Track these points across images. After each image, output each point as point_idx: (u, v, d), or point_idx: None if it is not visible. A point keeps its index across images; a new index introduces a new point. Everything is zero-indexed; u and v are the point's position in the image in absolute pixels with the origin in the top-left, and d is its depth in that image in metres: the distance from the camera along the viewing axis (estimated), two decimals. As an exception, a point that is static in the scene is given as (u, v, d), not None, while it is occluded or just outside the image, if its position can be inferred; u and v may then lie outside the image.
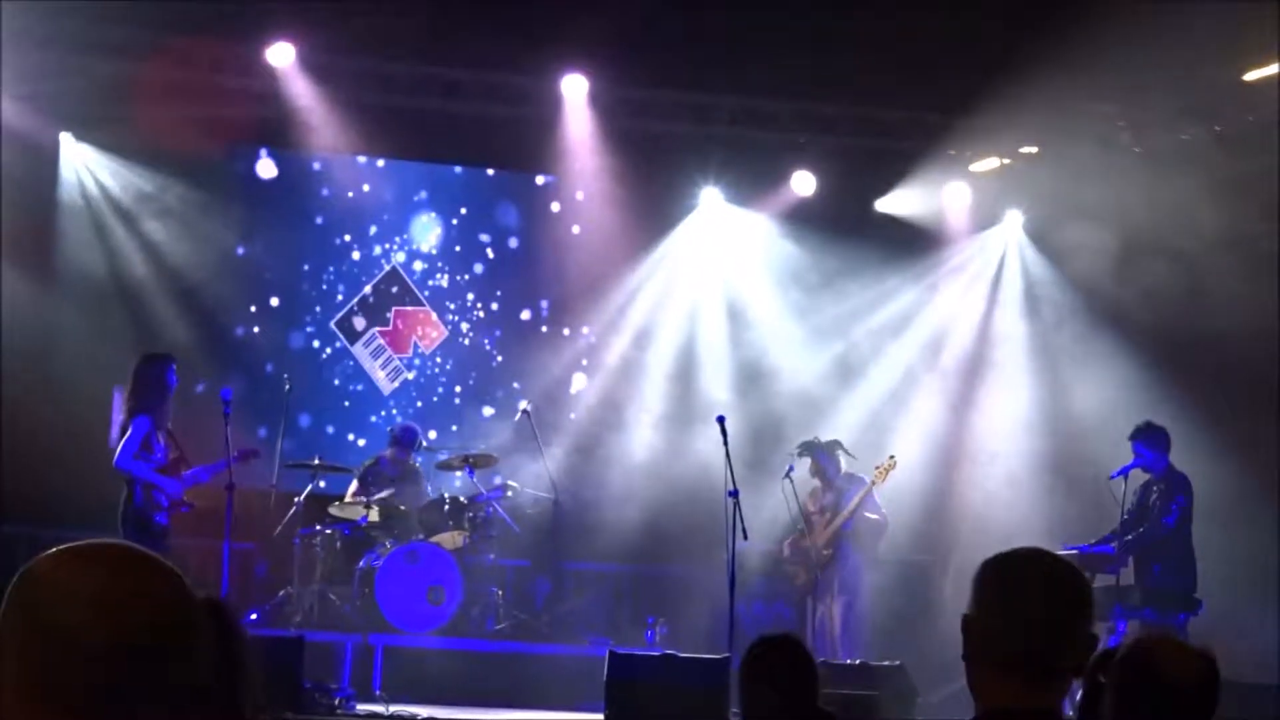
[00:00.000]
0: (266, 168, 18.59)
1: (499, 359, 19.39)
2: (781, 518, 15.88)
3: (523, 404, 17.86)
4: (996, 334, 18.90)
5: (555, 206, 19.42)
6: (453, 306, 19.33)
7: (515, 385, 19.26)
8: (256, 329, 18.54)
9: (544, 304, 19.58)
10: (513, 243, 19.59)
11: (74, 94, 16.58)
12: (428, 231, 19.34)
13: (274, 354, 18.53)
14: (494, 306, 19.49)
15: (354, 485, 16.60)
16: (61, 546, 2.22)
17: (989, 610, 3.61)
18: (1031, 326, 18.71)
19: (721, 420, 14.56)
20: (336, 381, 18.92)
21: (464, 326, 19.35)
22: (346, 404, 18.91)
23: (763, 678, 6.49)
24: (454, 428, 19.01)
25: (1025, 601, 3.56)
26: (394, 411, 18.63)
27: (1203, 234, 16.36)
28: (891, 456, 15.65)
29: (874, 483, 15.46)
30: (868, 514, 15.60)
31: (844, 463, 15.76)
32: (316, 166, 18.83)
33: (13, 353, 16.17)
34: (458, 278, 19.36)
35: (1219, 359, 16.61)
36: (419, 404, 19.06)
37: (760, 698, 6.48)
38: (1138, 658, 4.59)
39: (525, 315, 19.57)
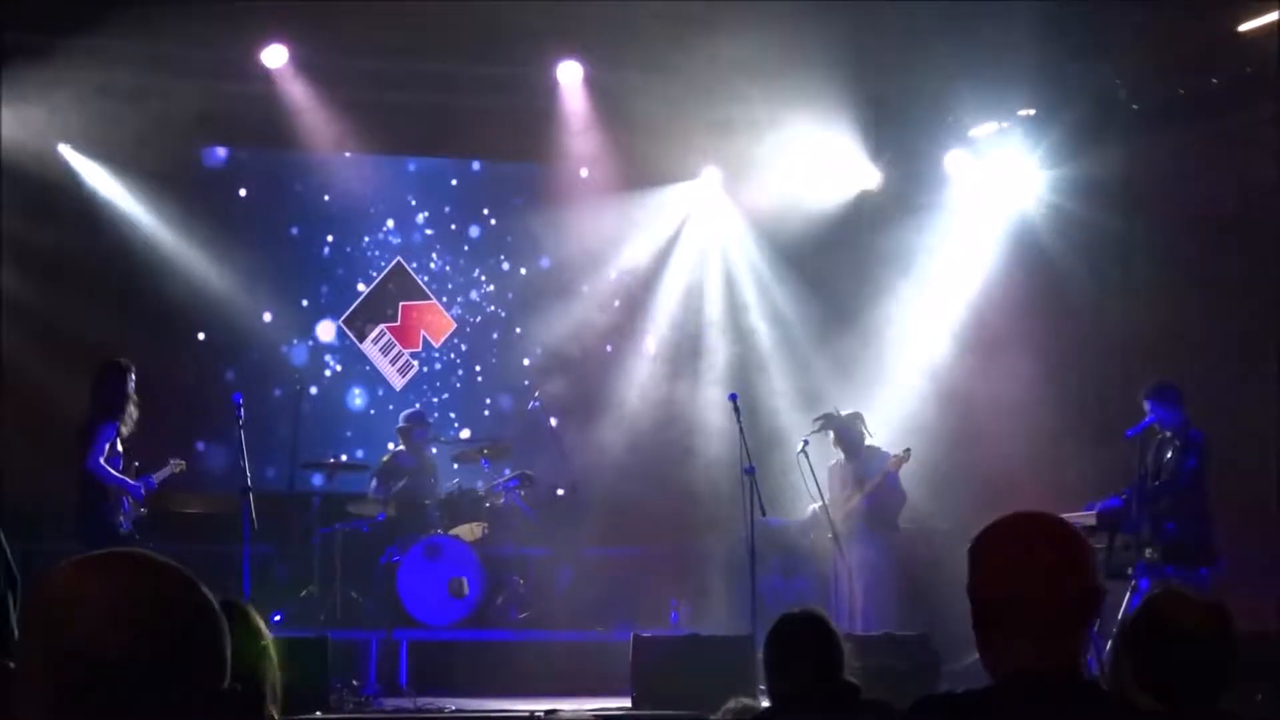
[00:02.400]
0: (250, 171, 18.55)
1: (518, 330, 19.32)
2: (798, 492, 15.87)
3: (536, 394, 17.89)
4: (1006, 289, 18.85)
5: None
6: (456, 284, 19.29)
7: (539, 351, 19.23)
8: (256, 355, 18.41)
9: (554, 259, 19.46)
10: (516, 200, 19.48)
11: (70, 105, 16.56)
12: (420, 212, 19.26)
13: (279, 376, 18.36)
14: (504, 266, 19.41)
15: (374, 483, 16.60)
16: (75, 558, 2.21)
17: (989, 580, 3.64)
18: (1044, 279, 18.67)
19: (734, 398, 14.60)
20: (356, 391, 18.88)
21: (474, 295, 19.29)
22: (372, 412, 18.86)
23: (788, 654, 6.50)
24: (485, 413, 19.09)
25: (1023, 566, 3.59)
26: (418, 407, 18.38)
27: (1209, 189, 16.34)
28: (907, 449, 15.59)
29: (888, 470, 15.44)
30: (889, 489, 15.63)
31: (866, 435, 15.76)
32: (298, 168, 18.69)
33: (13, 369, 16.19)
34: (460, 254, 19.32)
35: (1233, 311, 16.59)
36: (445, 395, 19.07)
37: (786, 673, 6.49)
38: (1149, 617, 4.62)
39: (544, 263, 19.47)
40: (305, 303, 18.84)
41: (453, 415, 18.99)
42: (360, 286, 18.98)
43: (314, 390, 18.42)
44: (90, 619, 2.10)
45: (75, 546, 13.08)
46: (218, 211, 18.22)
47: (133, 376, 13.60)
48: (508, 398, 19.10)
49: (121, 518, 13.43)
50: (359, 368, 18.91)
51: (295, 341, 18.74)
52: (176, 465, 14.19)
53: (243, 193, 18.54)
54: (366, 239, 19.01)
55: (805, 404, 17.72)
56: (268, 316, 18.56)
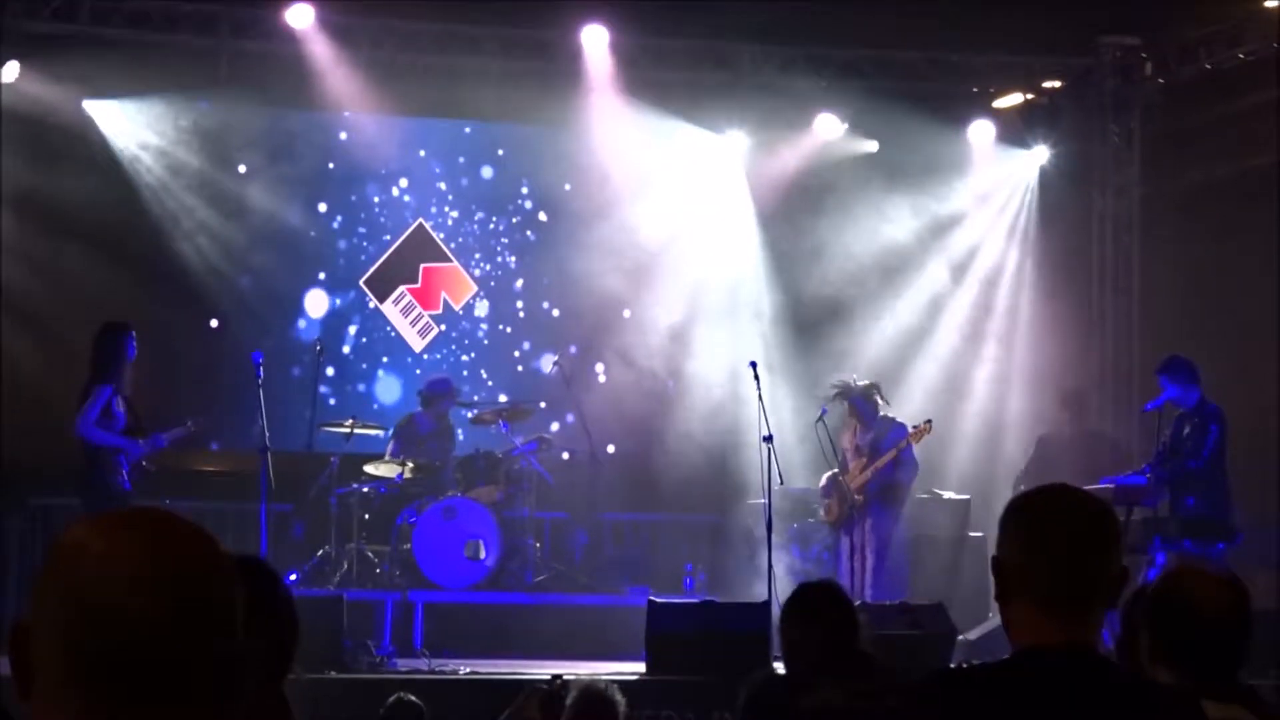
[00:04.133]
0: (258, 134, 18.33)
1: (546, 281, 19.15)
2: (816, 460, 15.85)
3: (554, 358, 17.86)
4: (1027, 259, 18.84)
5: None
6: (475, 235, 19.15)
7: (565, 303, 19.10)
8: (272, 338, 17.92)
9: (573, 203, 19.07)
10: (533, 143, 19.26)
11: (91, 63, 16.57)
12: (434, 163, 19.08)
13: (296, 355, 18.23)
14: (526, 204, 19.19)
15: (391, 444, 16.63)
16: (93, 516, 2.18)
17: (1016, 550, 3.62)
18: (1065, 245, 18.67)
19: (754, 365, 14.58)
20: (384, 358, 18.89)
21: (493, 245, 19.13)
22: (410, 377, 18.72)
23: (805, 623, 6.51)
24: (519, 368, 19.06)
25: (1050, 539, 3.57)
26: (444, 374, 17.97)
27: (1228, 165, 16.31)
28: (928, 420, 15.47)
29: (908, 442, 15.27)
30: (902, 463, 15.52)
31: (881, 405, 15.66)
32: (310, 130, 18.57)
33: (28, 323, 16.23)
34: (476, 201, 19.16)
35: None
36: (473, 354, 19.02)
37: (802, 643, 6.51)
38: (1167, 591, 4.62)
39: (565, 203, 19.06)
40: (322, 275, 18.80)
41: (484, 373, 18.95)
42: (370, 248, 18.88)
43: (330, 371, 18.27)
44: (110, 575, 2.08)
45: (79, 504, 13.24)
46: (228, 176, 18.16)
47: (132, 337, 13.59)
48: (538, 352, 18.99)
49: (121, 477, 13.46)
50: (384, 339, 18.83)
51: (315, 316, 18.66)
52: (190, 426, 14.21)
53: (242, 169, 18.23)
54: (378, 199, 18.88)
55: (819, 375, 17.68)
56: (280, 291, 18.53)
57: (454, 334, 19.02)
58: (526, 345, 19.12)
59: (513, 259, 19.17)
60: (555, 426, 17.82)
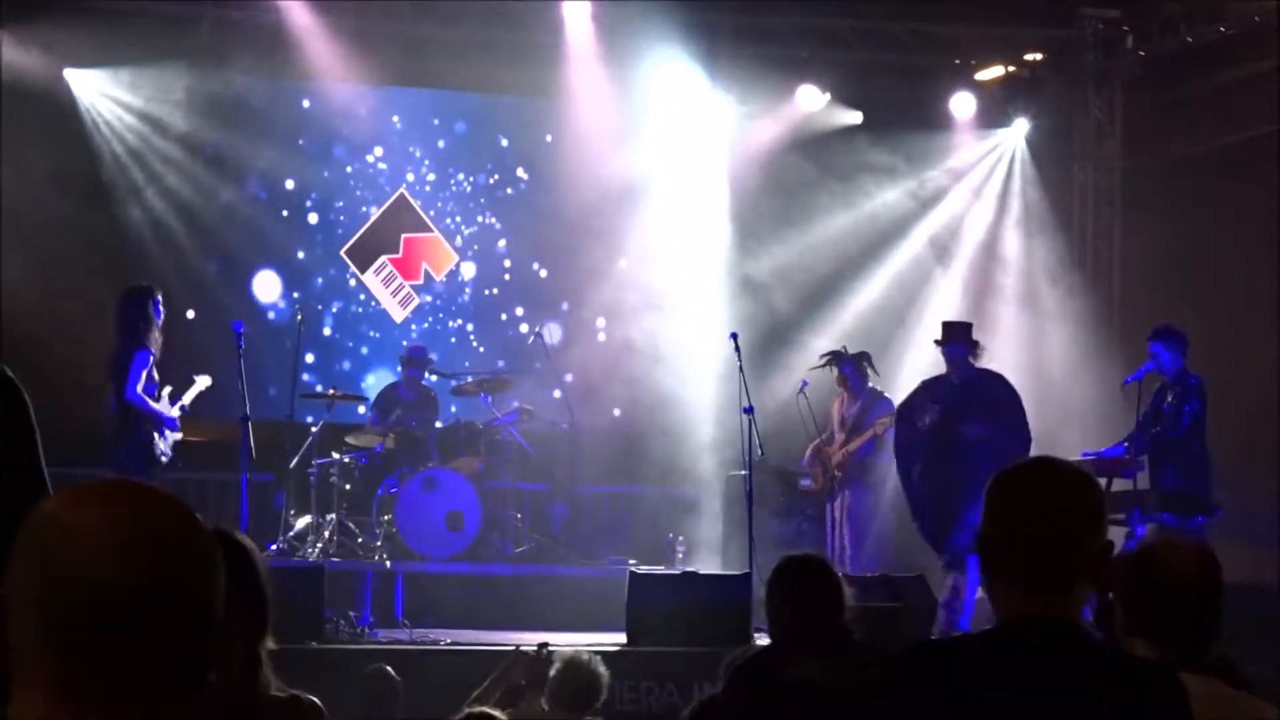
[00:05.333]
0: (236, 104, 18.09)
1: (530, 239, 19.06)
2: (796, 432, 15.86)
3: (538, 328, 17.82)
4: (1008, 235, 18.86)
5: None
6: (454, 195, 19.05)
7: (552, 264, 19.11)
8: (253, 318, 17.71)
9: (551, 162, 18.92)
10: (511, 103, 19.18)
11: (73, 31, 16.52)
12: (407, 128, 18.97)
13: (275, 337, 18.08)
14: (506, 159, 19.12)
15: (372, 414, 16.63)
16: (69, 488, 2.17)
17: (1000, 524, 3.62)
18: (1046, 218, 18.68)
19: (735, 337, 14.56)
20: (365, 350, 18.87)
21: (471, 206, 19.01)
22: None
23: (789, 595, 6.52)
24: (509, 333, 18.96)
25: (1033, 515, 3.57)
26: (419, 343, 18.00)
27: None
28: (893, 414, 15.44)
29: (891, 420, 15.19)
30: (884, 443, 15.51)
31: (871, 376, 15.67)
32: (300, 97, 18.52)
33: (30, 290, 16.19)
34: (454, 163, 19.08)
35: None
36: (460, 320, 18.97)
37: (787, 615, 6.51)
38: (1143, 563, 4.64)
39: (547, 157, 18.96)
40: (302, 255, 18.72)
41: (474, 340, 18.89)
42: (346, 221, 18.77)
43: (310, 359, 18.20)
44: (87, 548, 2.07)
45: (111, 475, 13.10)
46: (207, 146, 18.06)
47: (159, 300, 13.50)
48: (528, 315, 18.92)
49: (163, 446, 13.41)
50: (367, 316, 18.78)
51: (289, 294, 18.55)
52: (202, 382, 14.12)
53: (220, 141, 18.05)
54: (350, 169, 18.76)
55: (801, 347, 17.70)
56: (255, 269, 18.50)
57: (440, 301, 18.97)
58: (518, 310, 19.04)
59: (494, 219, 19.10)
60: (557, 394, 17.71)
